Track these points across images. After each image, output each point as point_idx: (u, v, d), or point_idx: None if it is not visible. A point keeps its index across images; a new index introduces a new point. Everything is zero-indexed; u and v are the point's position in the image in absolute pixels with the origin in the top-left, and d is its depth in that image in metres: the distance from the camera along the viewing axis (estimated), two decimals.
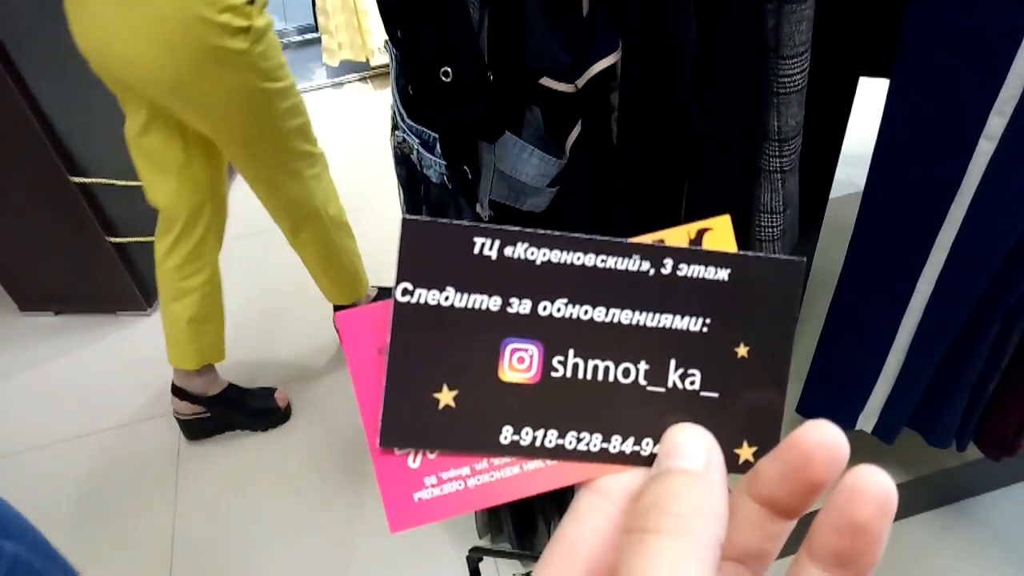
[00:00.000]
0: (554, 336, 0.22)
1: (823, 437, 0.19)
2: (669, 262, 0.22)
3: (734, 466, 0.22)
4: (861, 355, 0.98)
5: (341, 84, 2.82)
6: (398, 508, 0.22)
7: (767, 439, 0.22)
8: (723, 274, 0.22)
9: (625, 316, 0.22)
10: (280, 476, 1.57)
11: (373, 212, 2.26)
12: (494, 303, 0.22)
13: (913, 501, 1.31)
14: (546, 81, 0.69)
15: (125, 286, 1.94)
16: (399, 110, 0.90)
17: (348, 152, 2.11)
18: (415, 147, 0.87)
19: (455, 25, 0.61)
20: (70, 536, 1.49)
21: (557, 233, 0.22)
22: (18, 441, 1.71)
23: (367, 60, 2.72)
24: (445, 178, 0.81)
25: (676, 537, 0.18)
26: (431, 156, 0.85)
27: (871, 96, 0.98)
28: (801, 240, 1.03)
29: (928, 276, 0.85)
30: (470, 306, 0.22)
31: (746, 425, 0.22)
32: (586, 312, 0.22)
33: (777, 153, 0.79)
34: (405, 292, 0.22)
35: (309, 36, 2.99)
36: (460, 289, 0.22)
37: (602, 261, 0.22)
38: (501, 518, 1.29)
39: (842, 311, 0.95)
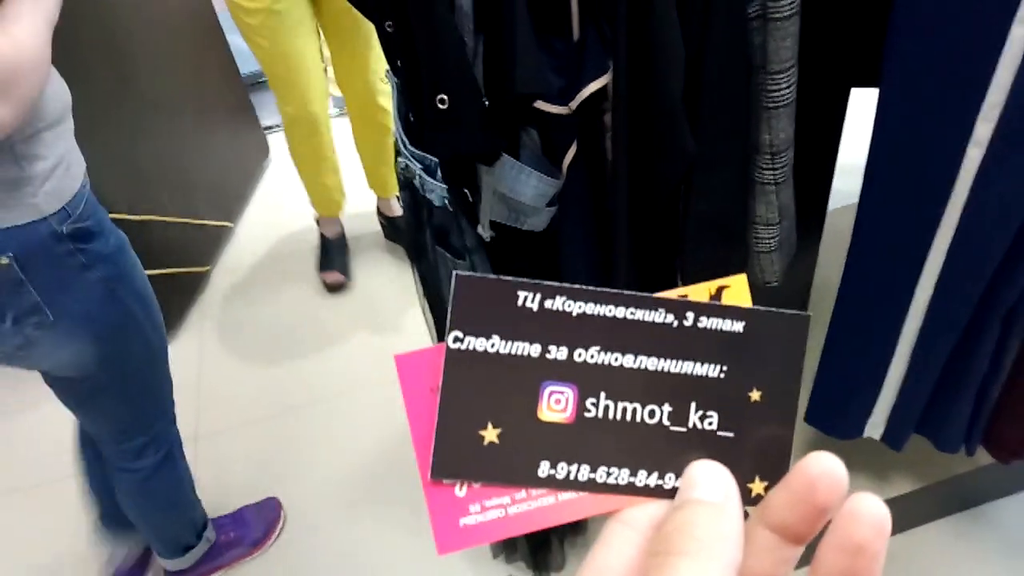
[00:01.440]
0: (588, 380, 0.25)
1: (824, 467, 0.22)
2: (691, 315, 0.25)
3: (747, 499, 0.24)
4: (865, 363, 0.98)
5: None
6: (445, 532, 0.24)
7: (777, 475, 0.24)
8: (738, 326, 0.25)
9: (651, 363, 0.25)
10: (291, 509, 1.58)
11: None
12: (535, 350, 0.25)
13: (927, 508, 1.30)
14: (540, 104, 0.71)
15: None
16: (401, 137, 0.93)
17: (358, 177, 2.16)
18: (417, 172, 0.90)
19: (449, 54, 0.64)
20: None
21: (593, 288, 0.25)
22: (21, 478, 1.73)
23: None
24: (447, 201, 0.83)
25: (698, 559, 0.20)
26: (432, 180, 0.87)
27: (869, 107, 1.00)
28: (801, 251, 1.04)
29: (926, 282, 0.86)
30: (513, 352, 0.25)
31: (758, 462, 0.25)
32: (616, 359, 0.25)
33: (770, 166, 0.80)
34: (456, 339, 0.24)
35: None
36: (505, 337, 0.24)
37: (631, 313, 0.25)
38: (515, 538, 1.29)
39: (844, 320, 0.96)
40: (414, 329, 1.93)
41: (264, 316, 2.09)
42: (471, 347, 0.24)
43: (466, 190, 0.80)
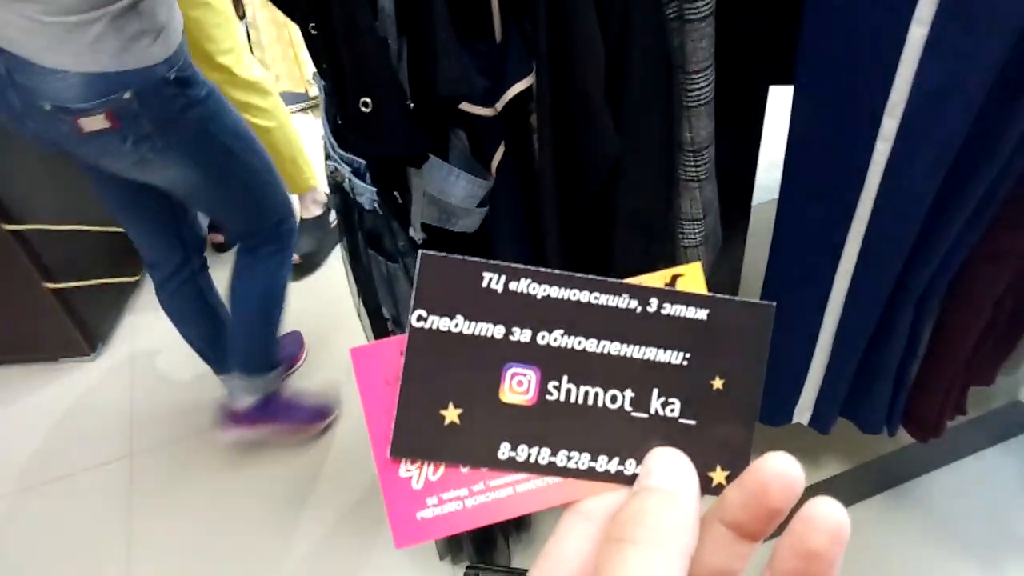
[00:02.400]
0: (551, 363, 0.25)
1: (777, 469, 0.21)
2: (655, 301, 0.25)
3: (708, 488, 0.24)
4: (790, 351, 1.02)
5: None
6: (403, 526, 0.24)
7: (738, 464, 0.25)
8: (702, 314, 0.25)
9: (614, 348, 0.25)
10: (236, 520, 1.55)
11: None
12: (498, 331, 0.25)
13: (858, 488, 1.36)
14: (466, 106, 0.72)
15: (67, 332, 1.90)
16: (330, 140, 0.92)
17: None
18: (347, 175, 0.89)
19: (371, 57, 0.64)
20: None
21: (558, 271, 0.25)
22: None
23: (306, 91, 2.73)
24: (376, 204, 0.83)
25: (650, 547, 0.21)
26: (362, 184, 0.86)
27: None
28: (728, 245, 1.07)
29: (844, 272, 0.90)
30: (477, 333, 0.24)
31: (719, 451, 0.25)
32: (580, 343, 0.25)
33: (692, 163, 0.83)
34: (420, 318, 0.24)
35: None
36: (468, 318, 0.24)
37: (596, 298, 0.25)
38: (460, 536, 1.29)
39: None
40: (359, 330, 1.91)
41: None
42: (434, 326, 0.24)
43: (396, 193, 0.80)
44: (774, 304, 0.25)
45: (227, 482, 1.62)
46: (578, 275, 0.25)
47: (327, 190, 2.15)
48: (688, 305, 0.25)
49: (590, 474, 0.24)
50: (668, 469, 0.23)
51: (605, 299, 0.25)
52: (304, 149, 2.11)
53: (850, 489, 1.35)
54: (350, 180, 0.88)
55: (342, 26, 0.64)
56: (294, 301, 1.62)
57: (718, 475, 0.25)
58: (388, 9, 0.68)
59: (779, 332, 0.92)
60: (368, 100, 0.64)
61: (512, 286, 0.25)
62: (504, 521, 1.08)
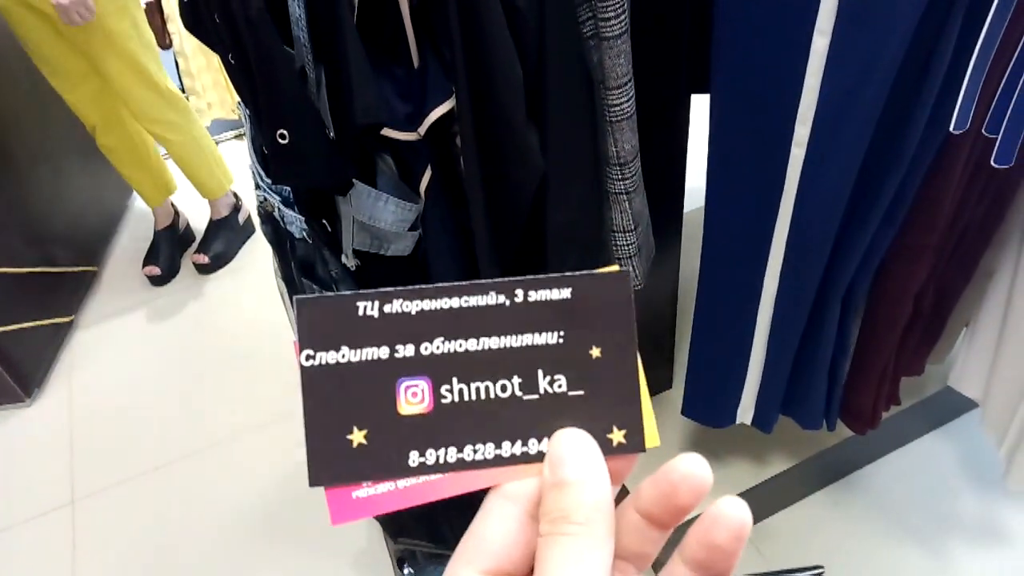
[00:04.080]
0: (438, 370, 0.26)
1: (687, 471, 0.24)
2: (520, 292, 0.27)
3: (609, 448, 0.26)
4: (728, 354, 1.04)
5: (216, 143, 2.78)
6: (339, 504, 0.25)
7: (632, 422, 0.26)
8: (566, 293, 0.27)
9: (493, 342, 0.26)
10: (186, 560, 1.50)
11: (255, 268, 2.23)
12: (383, 352, 0.26)
13: (804, 483, 1.39)
14: (388, 132, 0.72)
15: None
16: (257, 169, 0.91)
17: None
18: (276, 205, 0.88)
19: (284, 88, 0.63)
20: None
21: (426, 286, 0.26)
22: None
23: (240, 117, 2.69)
24: (306, 233, 0.82)
25: (583, 536, 0.23)
26: (292, 213, 0.85)
27: None
28: (662, 253, 1.09)
29: (771, 273, 0.93)
30: (364, 358, 0.26)
31: (613, 413, 0.26)
32: (461, 345, 0.26)
33: (619, 176, 0.84)
34: (308, 357, 0.26)
35: None
36: (353, 346, 0.26)
37: (465, 301, 0.26)
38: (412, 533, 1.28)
39: (705, 316, 1.02)
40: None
41: (136, 362, 1.98)
42: (323, 362, 0.26)
43: (324, 221, 0.79)
44: (628, 270, 0.29)
45: (175, 521, 1.57)
46: (444, 285, 0.26)
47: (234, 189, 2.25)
48: (550, 288, 0.27)
49: (498, 461, 0.26)
50: (577, 456, 0.25)
51: (475, 300, 0.26)
52: (219, 154, 2.20)
53: (797, 485, 1.38)
54: (279, 209, 0.87)
55: (254, 57, 0.63)
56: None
57: (616, 435, 0.26)
58: (303, 39, 0.68)
59: (717, 335, 0.94)
60: (284, 132, 0.64)
61: (387, 309, 0.26)
62: (451, 514, 1.06)
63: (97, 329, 2.10)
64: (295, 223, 0.85)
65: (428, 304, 0.26)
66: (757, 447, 1.35)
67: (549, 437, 0.26)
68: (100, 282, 2.25)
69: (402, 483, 0.25)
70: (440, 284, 0.26)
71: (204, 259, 2.18)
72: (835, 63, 0.72)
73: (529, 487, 0.25)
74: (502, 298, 0.26)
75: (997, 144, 0.70)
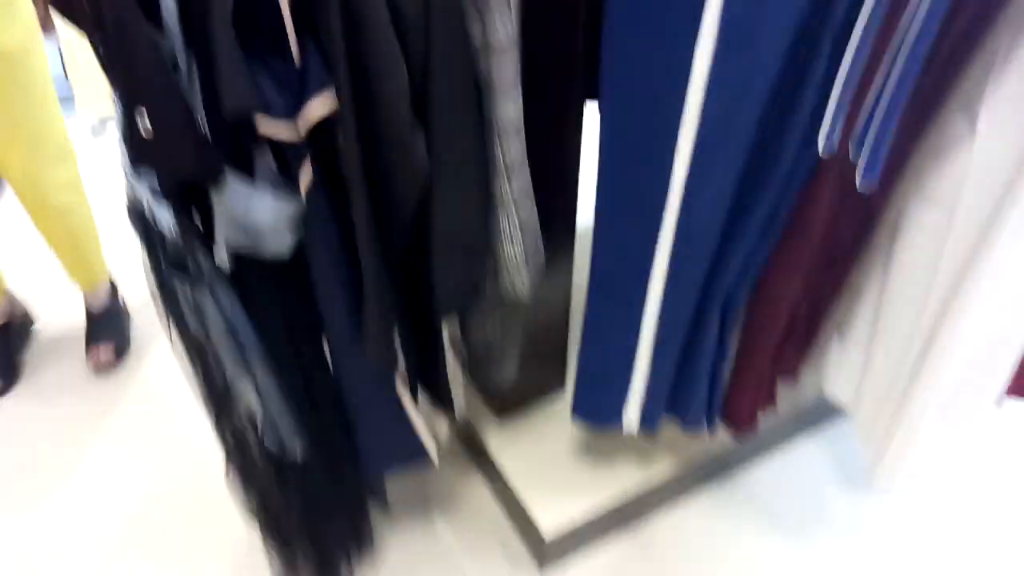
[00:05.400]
0: None
1: None
2: None
3: None
4: (616, 357, 1.06)
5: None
6: None
7: None
8: None
9: None
10: None
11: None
12: None
13: (688, 486, 1.43)
14: (266, 129, 0.69)
15: None
16: (125, 159, 0.85)
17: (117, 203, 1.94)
18: (145, 197, 0.82)
19: (144, 70, 0.59)
20: None
21: None
22: None
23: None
24: (173, 229, 0.77)
25: None
26: (162, 208, 0.80)
27: None
28: (554, 262, 1.10)
29: (656, 280, 0.95)
30: None
31: None
32: None
33: (507, 184, 0.84)
34: None
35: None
36: None
37: None
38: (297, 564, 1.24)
39: (593, 320, 1.03)
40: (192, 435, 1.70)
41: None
42: None
43: (195, 215, 0.75)
44: None
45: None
46: None
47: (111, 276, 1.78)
48: None
49: None
50: None
51: None
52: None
53: (682, 487, 1.42)
54: (147, 202, 0.82)
55: (115, 38, 0.59)
56: None
57: None
58: (171, 23, 0.64)
59: (604, 340, 0.95)
60: (145, 114, 0.59)
61: None
62: (344, 543, 1.02)
63: None
64: (163, 217, 0.80)
65: None
66: (641, 451, 1.38)
67: None
68: None
69: None
70: None
71: (109, 354, 1.73)
72: (715, 84, 0.75)
73: None
74: None
75: (861, 170, 0.74)
